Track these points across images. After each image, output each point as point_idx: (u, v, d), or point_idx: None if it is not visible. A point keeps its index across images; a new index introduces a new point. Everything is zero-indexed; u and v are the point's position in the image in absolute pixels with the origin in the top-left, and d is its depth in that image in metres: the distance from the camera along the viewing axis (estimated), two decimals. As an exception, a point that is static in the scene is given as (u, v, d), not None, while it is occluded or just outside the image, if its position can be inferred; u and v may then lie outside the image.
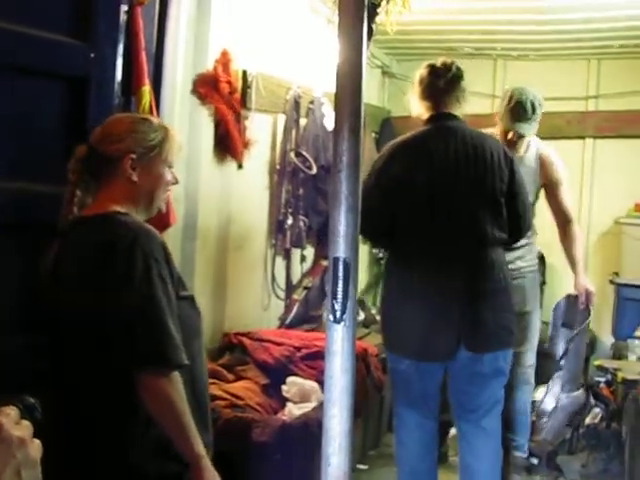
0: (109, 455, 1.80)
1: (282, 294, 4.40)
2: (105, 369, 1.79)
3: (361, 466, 3.94)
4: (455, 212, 2.90)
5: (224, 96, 3.54)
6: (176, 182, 2.08)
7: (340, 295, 1.33)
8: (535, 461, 3.89)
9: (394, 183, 2.92)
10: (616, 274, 5.18)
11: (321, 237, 4.73)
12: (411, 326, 2.90)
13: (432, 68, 3.01)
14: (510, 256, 3.28)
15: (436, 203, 2.90)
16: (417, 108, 3.06)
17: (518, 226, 3.02)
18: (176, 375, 1.78)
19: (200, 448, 1.81)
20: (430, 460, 3.12)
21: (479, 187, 2.91)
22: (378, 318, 4.60)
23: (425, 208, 2.91)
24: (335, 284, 1.33)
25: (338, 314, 1.32)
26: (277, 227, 4.24)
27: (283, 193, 4.20)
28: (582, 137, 5.51)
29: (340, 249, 1.33)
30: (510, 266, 3.22)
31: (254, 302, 4.21)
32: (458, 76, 3.01)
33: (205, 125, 3.55)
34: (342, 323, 1.32)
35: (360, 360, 3.67)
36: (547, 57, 5.51)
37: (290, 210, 4.21)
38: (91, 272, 1.80)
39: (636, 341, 4.37)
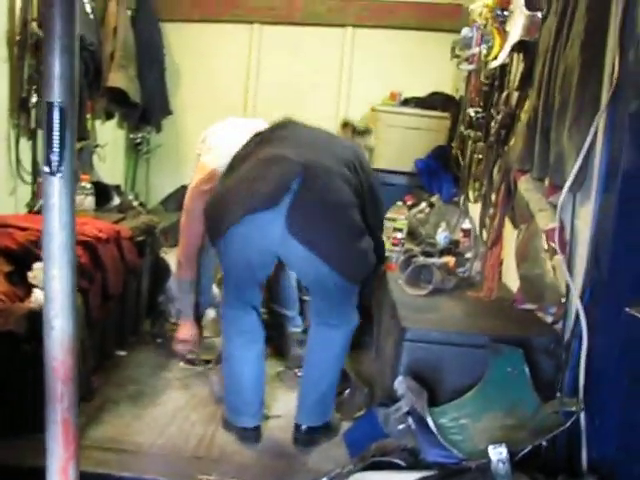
0: None
1: (29, 178, 4.09)
2: None
3: (120, 352, 3.87)
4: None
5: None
6: None
7: (56, 144, 1.21)
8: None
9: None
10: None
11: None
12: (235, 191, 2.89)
13: None
14: None
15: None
16: None
17: None
18: None
19: None
20: (256, 349, 3.13)
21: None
22: (135, 204, 4.48)
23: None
24: (50, 132, 1.22)
25: (54, 165, 1.21)
26: (20, 105, 3.89)
27: (25, 68, 3.84)
28: (343, 25, 5.56)
29: (54, 93, 1.21)
30: None
31: (-3, 187, 3.89)
32: None
33: None
34: (59, 175, 1.22)
35: (112, 243, 3.54)
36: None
37: (34, 87, 3.86)
38: None
39: (387, 223, 4.58)
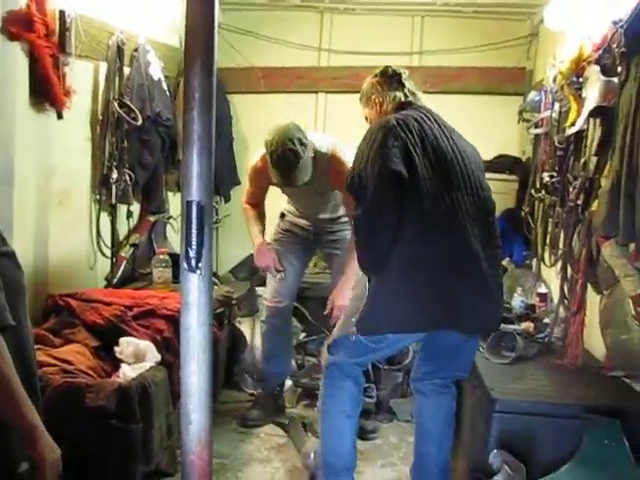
0: None
1: (108, 252, 4.18)
2: None
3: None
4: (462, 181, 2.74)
5: (40, 37, 3.24)
6: None
7: (195, 242, 1.24)
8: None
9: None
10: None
11: (148, 192, 4.55)
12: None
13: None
14: None
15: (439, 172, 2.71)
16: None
17: None
18: (0, 339, 1.61)
19: (34, 418, 1.66)
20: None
21: (471, 159, 2.86)
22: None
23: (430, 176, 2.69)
24: (189, 230, 1.24)
25: (193, 262, 1.24)
26: (101, 181, 4.00)
27: (107, 145, 3.95)
28: (408, 92, 5.62)
29: (193, 192, 1.24)
30: None
31: (79, 261, 3.97)
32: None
33: (20, 68, 3.24)
34: (198, 272, 1.24)
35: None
36: (373, 12, 5.54)
37: (115, 163, 3.98)
38: None
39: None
